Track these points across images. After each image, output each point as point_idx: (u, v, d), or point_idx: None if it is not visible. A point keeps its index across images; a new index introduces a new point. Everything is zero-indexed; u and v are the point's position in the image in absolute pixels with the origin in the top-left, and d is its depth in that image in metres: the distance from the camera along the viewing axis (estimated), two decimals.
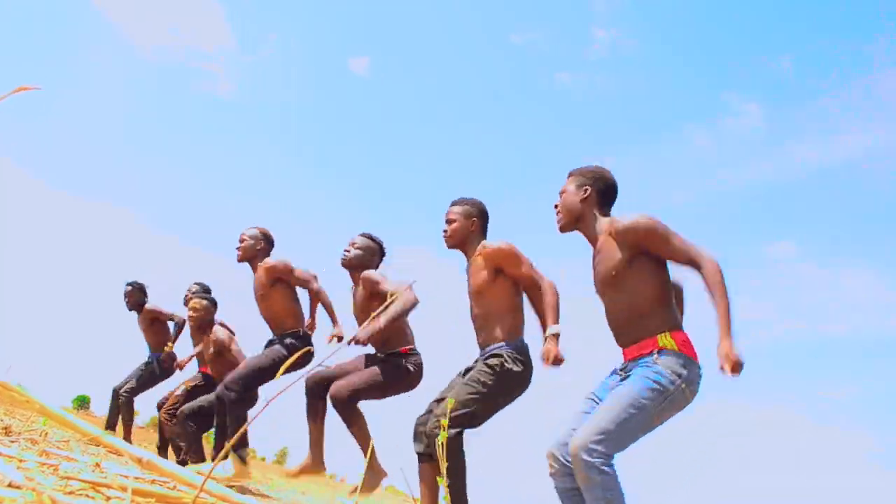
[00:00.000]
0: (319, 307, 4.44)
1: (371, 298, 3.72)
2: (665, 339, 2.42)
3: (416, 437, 3.20)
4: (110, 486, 1.28)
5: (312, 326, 4.59)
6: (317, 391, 3.75)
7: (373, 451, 3.57)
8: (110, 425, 6.14)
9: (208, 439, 5.79)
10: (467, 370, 3.17)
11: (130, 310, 6.41)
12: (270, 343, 4.34)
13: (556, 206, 2.75)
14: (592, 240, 2.66)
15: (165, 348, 6.19)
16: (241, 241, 4.43)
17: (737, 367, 2.27)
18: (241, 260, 4.43)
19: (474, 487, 2.95)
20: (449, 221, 3.32)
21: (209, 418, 4.82)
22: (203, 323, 5.38)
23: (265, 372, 4.18)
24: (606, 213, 2.68)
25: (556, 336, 2.92)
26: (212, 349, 5.33)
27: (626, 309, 2.52)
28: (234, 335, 5.49)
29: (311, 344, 4.35)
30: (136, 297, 6.35)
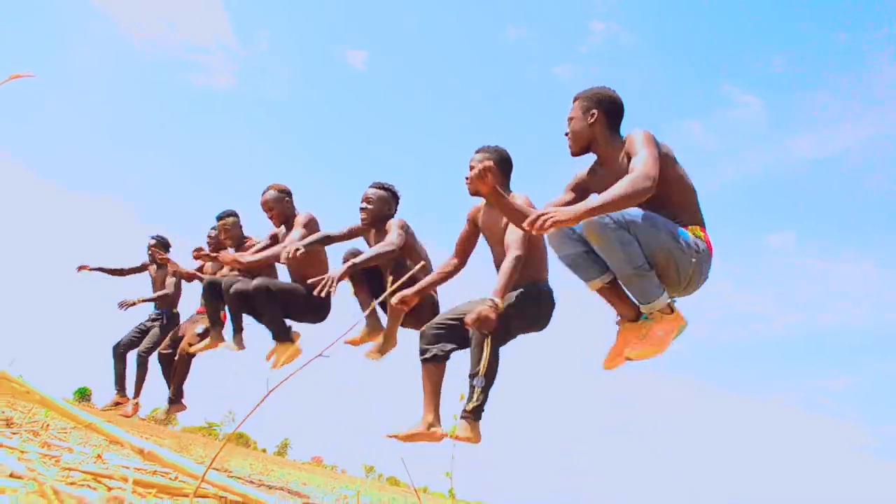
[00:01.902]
0: None
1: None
2: (696, 231, 2.57)
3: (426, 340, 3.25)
4: (112, 476, 1.28)
5: None
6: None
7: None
8: (120, 386, 6.21)
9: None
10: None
11: (152, 263, 6.50)
12: None
13: (566, 134, 2.78)
14: (607, 159, 2.71)
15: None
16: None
17: (555, 222, 2.37)
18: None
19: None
20: (473, 169, 3.17)
21: None
22: (238, 242, 5.24)
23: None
24: (617, 132, 2.72)
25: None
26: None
27: (664, 204, 2.56)
28: None
29: None
30: (157, 251, 6.35)
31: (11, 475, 1.14)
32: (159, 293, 6.42)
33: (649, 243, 2.44)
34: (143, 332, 6.33)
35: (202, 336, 5.47)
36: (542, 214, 2.31)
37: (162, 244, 6.51)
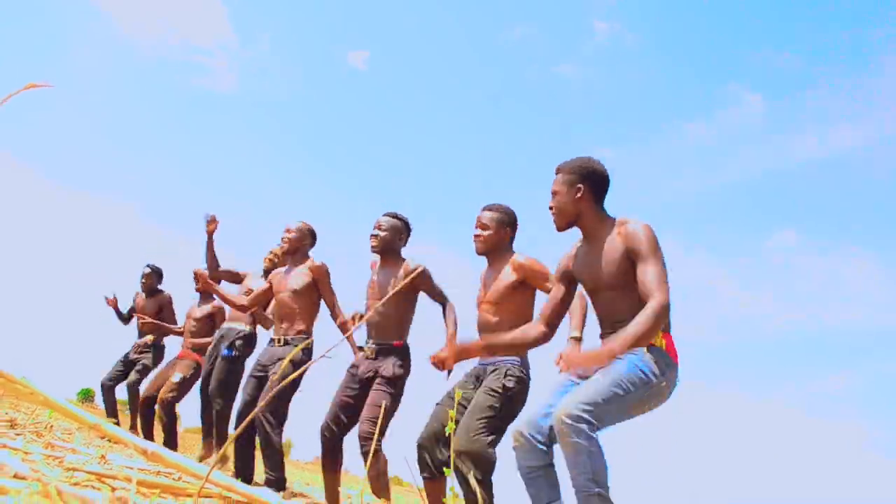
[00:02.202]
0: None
1: (412, 290, 3.69)
2: (657, 339, 2.43)
3: (421, 461, 3.12)
4: (115, 477, 1.28)
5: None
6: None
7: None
8: (113, 415, 6.24)
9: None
10: (475, 380, 3.16)
11: (143, 291, 6.53)
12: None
13: (550, 208, 2.66)
14: (592, 236, 2.60)
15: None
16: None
17: (571, 365, 2.44)
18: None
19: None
20: (483, 227, 3.27)
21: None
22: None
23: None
24: (602, 206, 2.63)
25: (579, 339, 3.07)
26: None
27: (626, 309, 2.46)
28: None
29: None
30: (151, 280, 6.50)
31: (16, 476, 1.14)
32: (173, 328, 6.44)
33: (623, 415, 2.38)
34: (127, 365, 6.36)
35: (180, 385, 5.57)
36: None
37: (156, 273, 6.58)
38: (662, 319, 2.31)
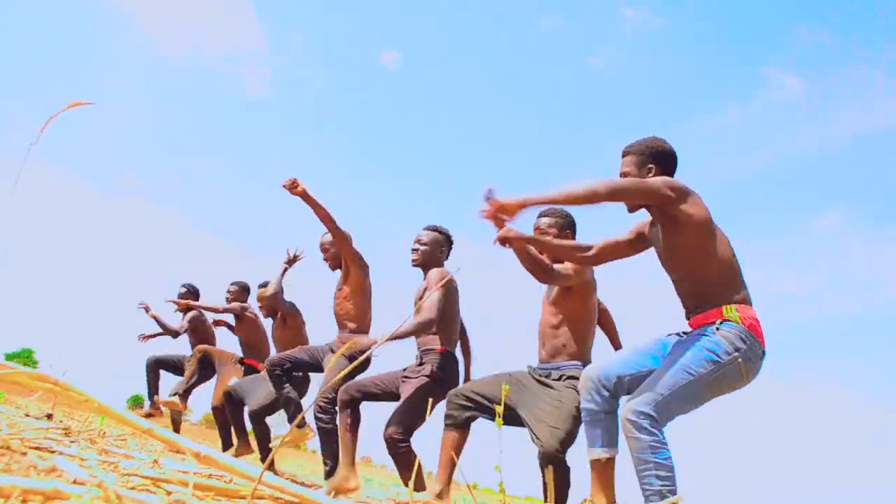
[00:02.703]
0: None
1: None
2: (730, 311, 2.37)
3: (455, 407, 3.14)
4: (170, 481, 1.30)
5: None
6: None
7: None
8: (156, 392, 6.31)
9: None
10: (536, 379, 3.08)
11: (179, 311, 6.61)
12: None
13: None
14: (664, 216, 2.51)
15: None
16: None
17: (498, 211, 2.34)
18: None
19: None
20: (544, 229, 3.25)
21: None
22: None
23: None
24: None
25: None
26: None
27: (699, 280, 2.45)
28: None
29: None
30: (189, 299, 6.54)
31: (75, 482, 1.16)
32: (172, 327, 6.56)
33: (698, 400, 2.33)
34: (179, 364, 6.41)
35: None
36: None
37: (192, 292, 6.64)
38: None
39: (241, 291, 6.34)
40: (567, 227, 3.26)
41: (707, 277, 2.43)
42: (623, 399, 2.43)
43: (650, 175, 2.56)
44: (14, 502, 0.89)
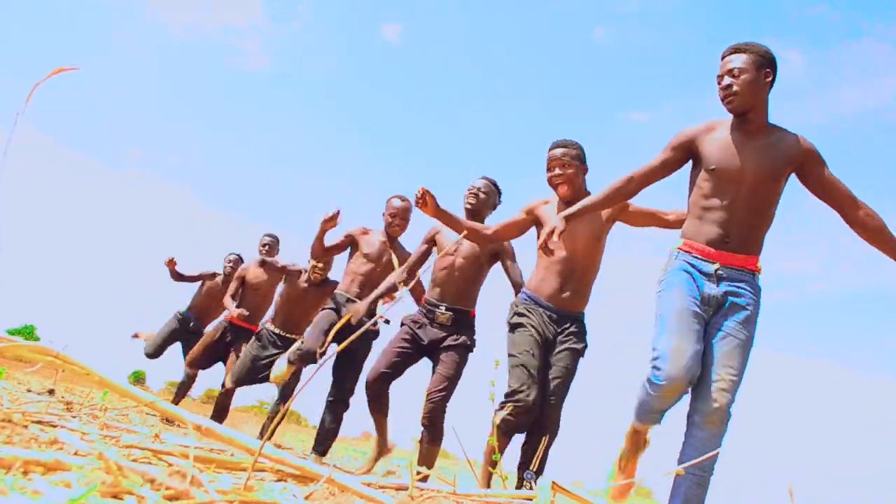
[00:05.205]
0: None
1: (494, 258, 3.66)
2: (759, 264, 2.42)
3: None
4: (171, 453, 1.31)
5: None
6: None
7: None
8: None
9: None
10: (555, 326, 2.99)
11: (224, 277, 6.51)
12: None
13: (729, 85, 2.34)
14: (756, 131, 2.37)
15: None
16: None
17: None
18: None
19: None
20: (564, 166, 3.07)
21: None
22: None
23: None
24: None
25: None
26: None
27: (757, 218, 2.35)
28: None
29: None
30: (238, 265, 6.35)
31: (76, 453, 1.17)
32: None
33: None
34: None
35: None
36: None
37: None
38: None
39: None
40: (582, 158, 3.13)
41: (767, 223, 2.41)
42: (714, 380, 2.28)
43: (766, 80, 2.35)
44: (16, 473, 0.90)
